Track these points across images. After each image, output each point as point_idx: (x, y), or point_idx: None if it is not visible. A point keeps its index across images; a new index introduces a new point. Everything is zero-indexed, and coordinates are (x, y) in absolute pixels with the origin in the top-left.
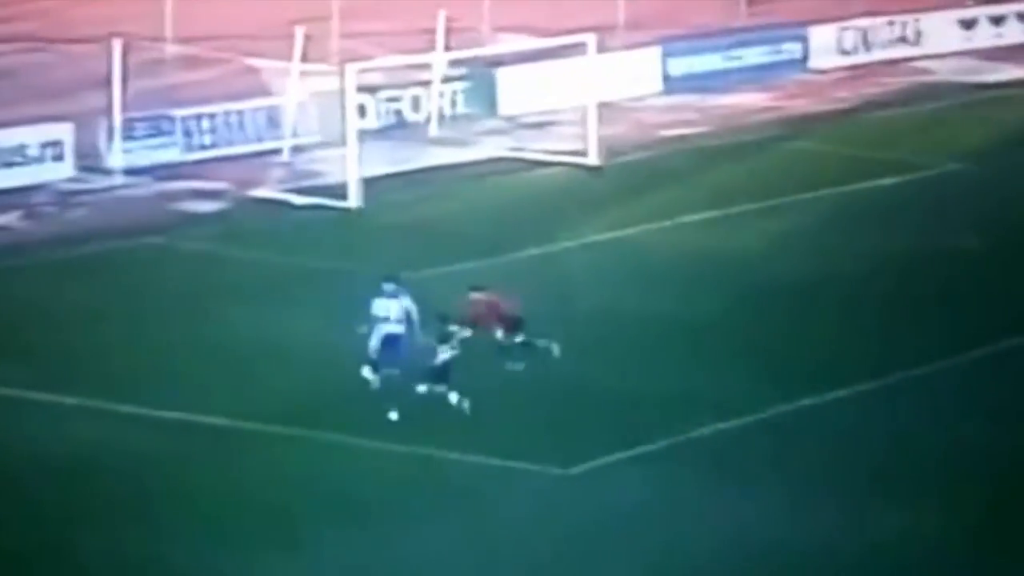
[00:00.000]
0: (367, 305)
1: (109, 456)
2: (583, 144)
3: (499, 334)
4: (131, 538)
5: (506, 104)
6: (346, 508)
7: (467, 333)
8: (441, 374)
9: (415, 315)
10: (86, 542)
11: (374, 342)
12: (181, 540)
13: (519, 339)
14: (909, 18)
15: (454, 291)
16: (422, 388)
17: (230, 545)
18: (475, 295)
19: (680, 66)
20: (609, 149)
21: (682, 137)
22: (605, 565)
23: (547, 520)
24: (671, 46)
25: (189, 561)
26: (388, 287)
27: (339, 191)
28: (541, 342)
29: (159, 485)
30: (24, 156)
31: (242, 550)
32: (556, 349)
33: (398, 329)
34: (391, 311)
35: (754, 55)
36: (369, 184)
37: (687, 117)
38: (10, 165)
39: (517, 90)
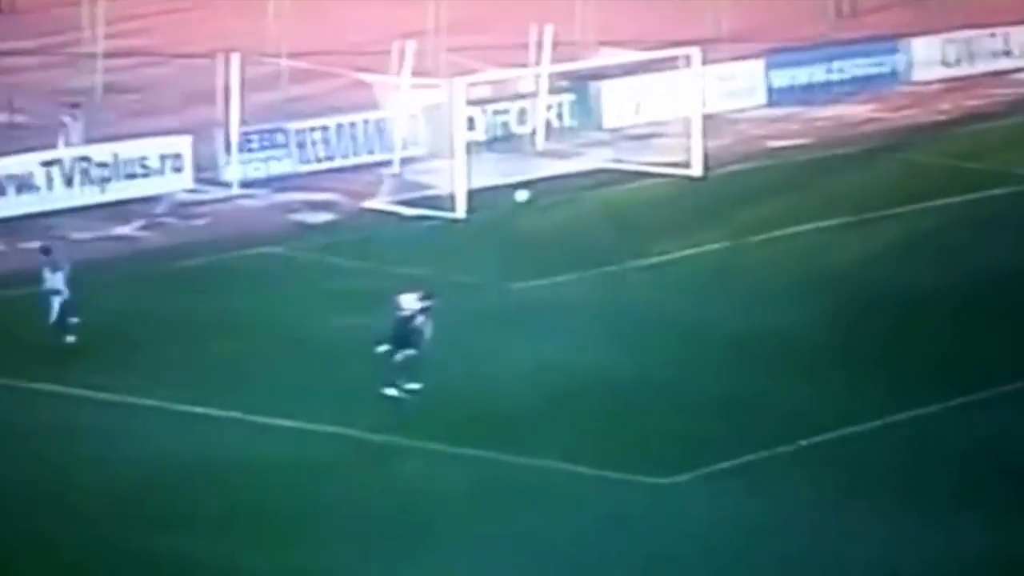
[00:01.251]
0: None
1: (223, 461)
2: (686, 156)
3: None
4: (263, 543)
5: (611, 116)
6: (456, 515)
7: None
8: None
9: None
10: (214, 548)
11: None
12: (312, 545)
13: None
14: (1011, 30)
15: (558, 302)
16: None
17: (352, 548)
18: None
19: (783, 78)
20: (712, 161)
21: (785, 149)
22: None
23: (647, 530)
24: (774, 58)
25: (321, 564)
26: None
27: (447, 202)
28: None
29: (283, 492)
30: (145, 168)
31: (364, 554)
32: None
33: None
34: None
35: (856, 67)
36: (476, 195)
37: (790, 129)
38: (132, 176)
39: (622, 103)
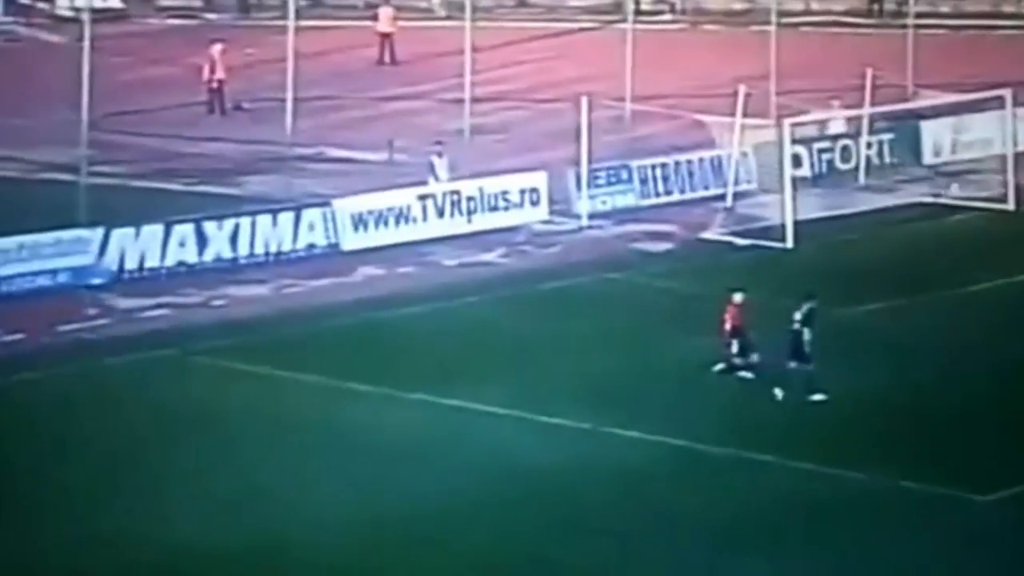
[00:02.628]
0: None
1: (578, 468)
2: (1001, 191)
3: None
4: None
5: (929, 154)
6: (762, 526)
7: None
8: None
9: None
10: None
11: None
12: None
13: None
14: None
15: (880, 327)
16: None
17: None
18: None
19: None
20: None
21: None
22: None
23: (966, 546)
24: None
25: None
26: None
27: (776, 233)
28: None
29: (633, 499)
30: (507, 201)
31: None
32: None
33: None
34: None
35: None
36: (802, 227)
37: None
38: (495, 209)
39: (940, 141)
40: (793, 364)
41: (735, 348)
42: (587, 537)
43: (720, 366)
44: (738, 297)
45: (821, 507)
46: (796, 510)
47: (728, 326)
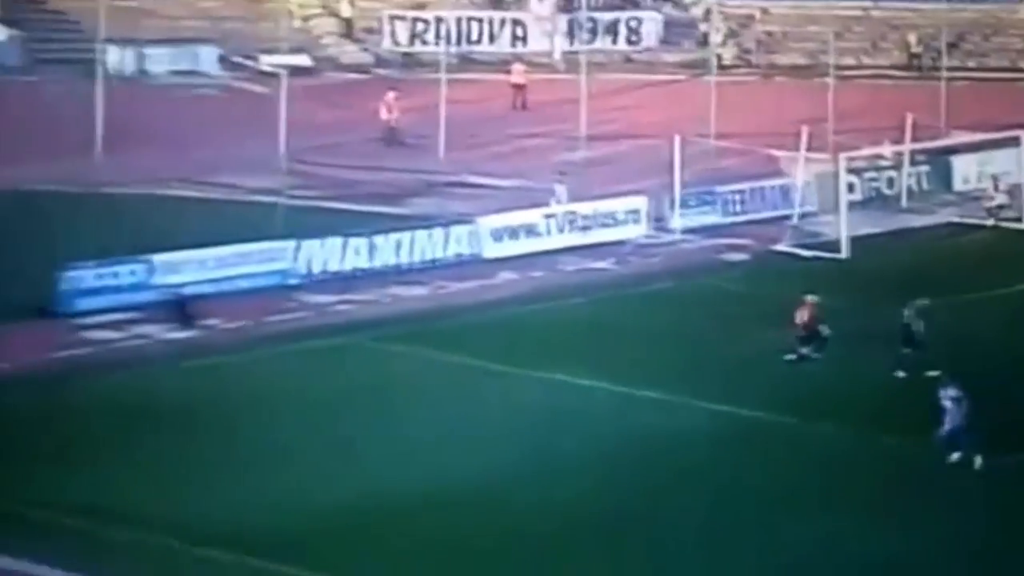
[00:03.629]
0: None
1: (673, 435)
2: (1018, 213)
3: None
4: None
5: (959, 183)
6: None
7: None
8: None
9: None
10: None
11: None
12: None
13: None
14: None
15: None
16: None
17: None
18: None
19: None
20: None
21: None
22: None
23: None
24: None
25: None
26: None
27: (833, 246)
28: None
29: (713, 459)
30: (614, 219)
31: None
32: None
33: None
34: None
35: None
36: (855, 241)
37: None
38: (605, 226)
39: (967, 172)
40: (906, 351)
41: (806, 340)
42: (677, 491)
43: (791, 356)
44: (810, 298)
45: (876, 472)
46: (853, 474)
47: (801, 321)
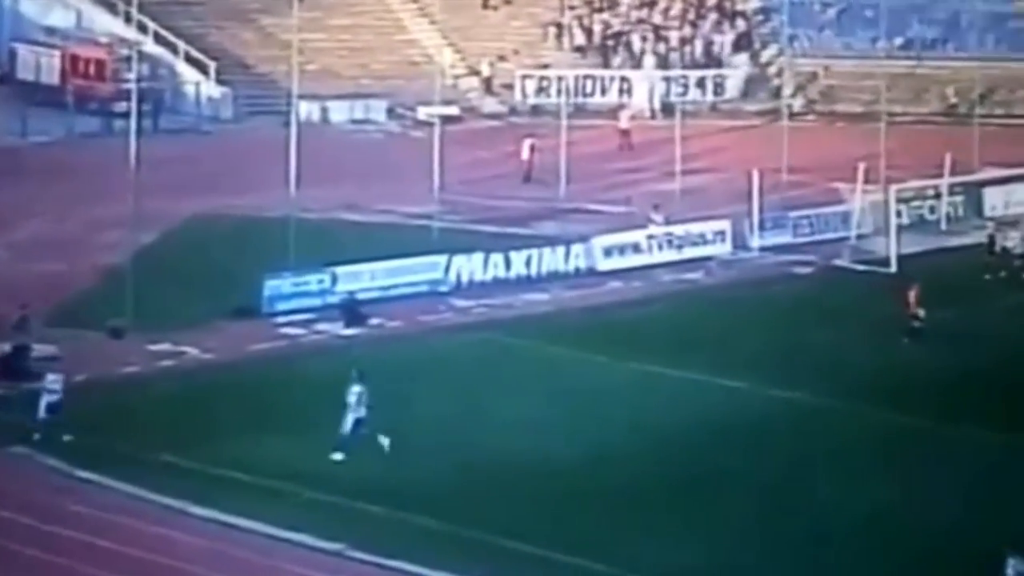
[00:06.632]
0: None
1: (747, 416)
2: None
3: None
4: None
5: (988, 210)
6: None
7: None
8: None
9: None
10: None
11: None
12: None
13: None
14: None
15: (952, 323)
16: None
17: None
18: None
19: None
20: None
21: None
22: None
23: None
24: None
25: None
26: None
27: (884, 262)
28: None
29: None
30: (703, 239)
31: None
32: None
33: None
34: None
35: None
36: (902, 258)
37: None
38: (695, 244)
39: (996, 201)
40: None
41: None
42: (758, 459)
43: (915, 322)
44: (915, 287)
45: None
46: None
47: (912, 300)
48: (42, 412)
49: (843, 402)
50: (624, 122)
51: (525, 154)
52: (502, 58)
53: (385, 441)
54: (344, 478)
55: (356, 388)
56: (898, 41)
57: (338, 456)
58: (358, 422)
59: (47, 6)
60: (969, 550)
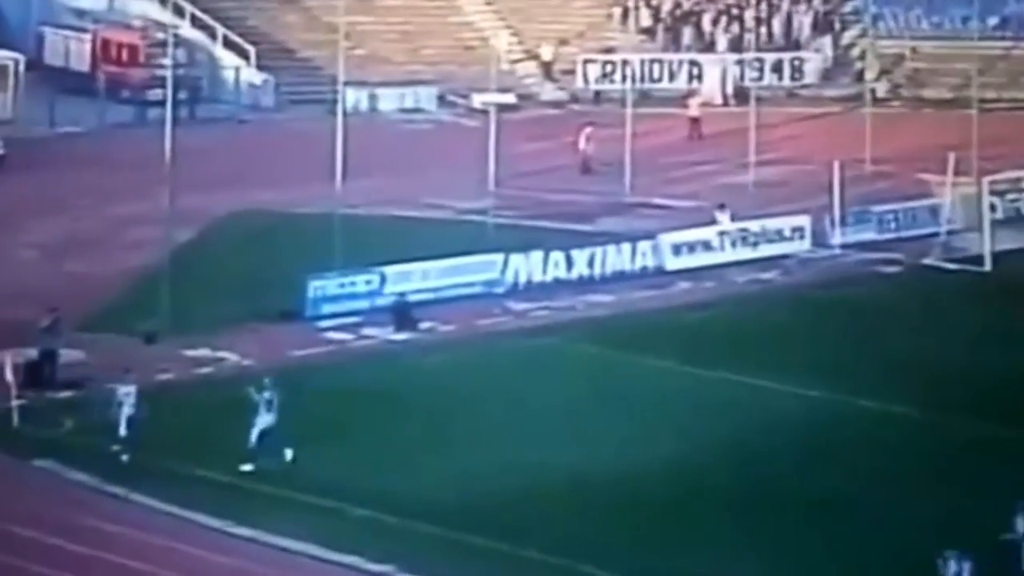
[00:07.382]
0: None
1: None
2: None
3: None
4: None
5: None
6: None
7: None
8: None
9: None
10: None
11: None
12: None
13: None
14: None
15: None
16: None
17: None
18: None
19: None
20: None
21: None
22: None
23: None
24: None
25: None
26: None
27: (977, 260)
28: None
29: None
30: (780, 236)
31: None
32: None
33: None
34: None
35: None
36: (996, 256)
37: None
38: (772, 241)
39: None
40: None
41: None
42: (836, 474)
43: None
44: None
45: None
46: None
47: None
48: (123, 429)
49: (936, 414)
50: (694, 110)
51: (582, 144)
52: (563, 41)
53: (288, 453)
54: (395, 495)
55: (267, 394)
56: (992, 20)
57: (248, 467)
58: (265, 432)
59: None
60: None
